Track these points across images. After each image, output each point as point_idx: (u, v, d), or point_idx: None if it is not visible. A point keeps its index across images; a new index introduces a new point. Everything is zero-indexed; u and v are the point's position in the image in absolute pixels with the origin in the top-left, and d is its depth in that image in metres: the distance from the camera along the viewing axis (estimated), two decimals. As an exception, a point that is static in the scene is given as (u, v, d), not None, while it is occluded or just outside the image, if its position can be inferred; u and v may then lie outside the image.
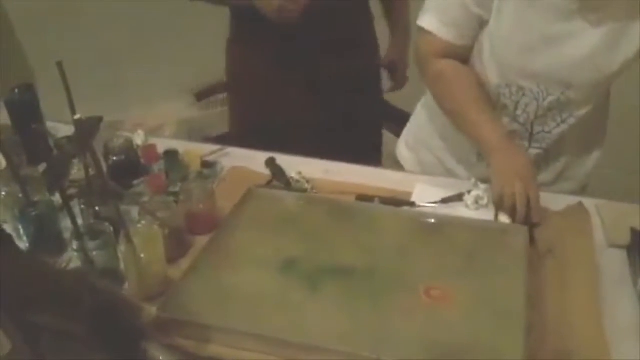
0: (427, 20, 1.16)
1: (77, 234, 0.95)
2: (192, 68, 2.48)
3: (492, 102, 1.18)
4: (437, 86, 1.22)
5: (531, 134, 1.20)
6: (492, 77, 1.16)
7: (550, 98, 1.13)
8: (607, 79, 1.12)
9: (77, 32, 2.40)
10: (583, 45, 1.07)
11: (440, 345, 0.83)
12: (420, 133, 1.39)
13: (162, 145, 1.28)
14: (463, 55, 1.18)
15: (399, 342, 0.84)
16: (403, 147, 1.45)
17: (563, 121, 1.17)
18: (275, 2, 1.26)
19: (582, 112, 1.15)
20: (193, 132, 2.47)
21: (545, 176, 1.25)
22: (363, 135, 1.60)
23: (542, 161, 1.23)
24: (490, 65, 1.16)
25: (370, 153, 1.64)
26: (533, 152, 1.21)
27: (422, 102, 1.40)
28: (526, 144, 1.21)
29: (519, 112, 1.17)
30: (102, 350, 0.62)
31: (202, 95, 2.63)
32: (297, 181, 1.20)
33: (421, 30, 1.18)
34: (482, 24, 1.13)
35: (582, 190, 1.31)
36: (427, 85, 1.26)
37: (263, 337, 0.85)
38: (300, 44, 1.41)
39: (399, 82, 1.69)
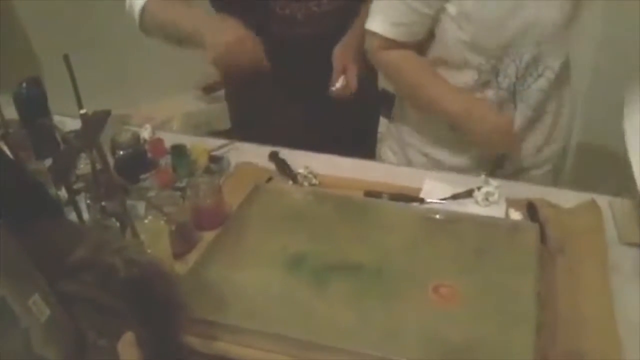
0: (376, 23, 1.19)
1: (83, 229, 0.95)
2: (199, 62, 2.47)
3: (474, 82, 1.20)
4: (390, 75, 1.27)
5: (514, 95, 1.21)
6: (468, 57, 1.17)
7: (526, 57, 1.16)
8: (571, 19, 1.16)
9: (85, 26, 2.39)
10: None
11: (449, 344, 0.82)
12: (401, 135, 1.39)
13: (170, 139, 1.27)
14: (414, 48, 1.22)
15: (407, 340, 0.83)
16: (389, 154, 1.44)
17: (540, 75, 1.19)
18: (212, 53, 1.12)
19: (557, 64, 1.19)
20: (200, 126, 2.47)
21: (537, 138, 1.29)
22: (359, 127, 1.56)
23: (530, 122, 1.26)
24: (460, 47, 1.17)
25: (365, 144, 1.60)
26: (519, 110, 1.22)
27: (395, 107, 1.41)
28: (511, 105, 1.22)
29: (500, 78, 1.20)
30: (137, 323, 0.62)
31: (209, 89, 2.64)
32: (305, 176, 1.19)
33: (371, 33, 1.20)
34: (434, 20, 1.17)
35: (562, 158, 1.39)
36: (386, 78, 1.31)
37: (269, 335, 0.84)
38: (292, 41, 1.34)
39: (348, 86, 1.35)
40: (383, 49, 1.21)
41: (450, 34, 1.17)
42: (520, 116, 1.22)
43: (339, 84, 1.30)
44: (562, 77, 1.24)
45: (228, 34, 1.13)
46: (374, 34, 1.20)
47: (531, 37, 1.14)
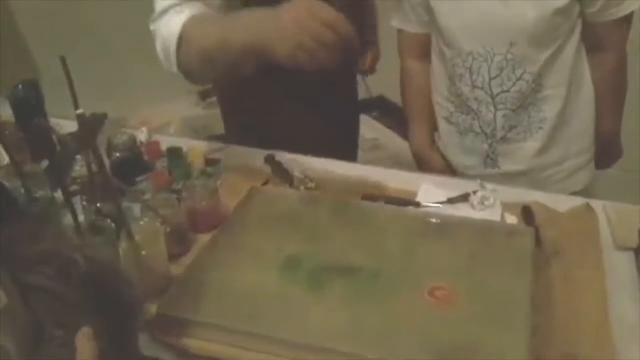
0: (392, 18, 1.38)
1: (78, 231, 0.94)
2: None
3: (451, 76, 1.29)
4: (402, 82, 1.45)
5: (492, 96, 1.25)
6: (446, 50, 1.28)
7: (498, 58, 1.21)
8: (542, 27, 1.17)
9: (83, 30, 2.40)
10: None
11: (445, 346, 0.82)
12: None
13: (166, 142, 1.27)
14: (425, 43, 1.35)
15: (402, 343, 0.83)
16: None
17: (518, 78, 1.22)
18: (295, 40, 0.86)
19: (535, 67, 1.21)
20: (197, 130, 2.47)
21: (534, 144, 1.29)
22: (340, 131, 1.55)
23: (512, 119, 1.27)
24: (437, 38, 1.30)
25: (348, 147, 1.60)
26: (500, 113, 1.27)
27: None
28: (491, 107, 1.26)
29: (474, 76, 1.25)
30: (92, 317, 0.62)
31: (206, 94, 2.64)
32: (301, 179, 1.19)
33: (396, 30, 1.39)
34: (427, 10, 1.29)
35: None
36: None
37: (265, 337, 0.84)
38: None
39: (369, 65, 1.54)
40: (404, 51, 1.40)
41: (434, 25, 1.29)
42: (501, 118, 1.27)
43: None
44: (555, 81, 1.24)
45: (290, 10, 0.87)
46: (397, 30, 1.38)
47: (501, 39, 1.19)
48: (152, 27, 1.11)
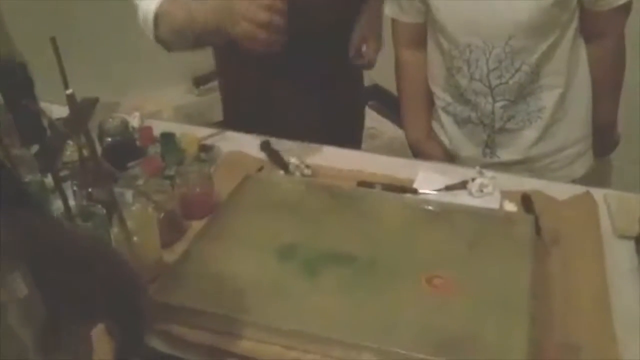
0: (386, 7, 1.35)
1: (68, 216, 0.92)
2: (190, 54, 2.45)
3: (449, 69, 1.27)
4: (397, 72, 1.42)
5: (491, 88, 1.23)
6: (443, 43, 1.26)
7: (496, 50, 1.19)
8: (541, 18, 1.15)
9: (74, 17, 2.36)
10: None
11: (442, 335, 0.80)
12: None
13: (159, 128, 1.25)
14: (420, 33, 1.33)
15: (400, 332, 0.81)
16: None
17: (517, 70, 1.21)
18: (243, 27, 1.04)
19: (533, 58, 1.19)
20: (191, 118, 2.45)
21: (531, 133, 1.27)
22: (346, 121, 1.54)
23: (511, 110, 1.26)
24: (435, 30, 1.28)
25: (353, 137, 1.59)
26: (499, 104, 1.25)
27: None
28: (490, 99, 1.25)
29: (472, 69, 1.23)
30: (105, 316, 0.62)
31: (200, 81, 2.61)
32: (297, 166, 1.17)
33: (390, 20, 1.36)
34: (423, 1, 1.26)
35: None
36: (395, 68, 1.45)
37: (259, 325, 0.82)
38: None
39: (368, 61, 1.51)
40: (399, 41, 1.37)
41: (430, 17, 1.26)
42: (499, 109, 1.25)
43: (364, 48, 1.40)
44: (553, 70, 1.23)
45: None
46: (390, 19, 1.35)
47: (500, 32, 1.17)
48: (135, 1, 1.25)
